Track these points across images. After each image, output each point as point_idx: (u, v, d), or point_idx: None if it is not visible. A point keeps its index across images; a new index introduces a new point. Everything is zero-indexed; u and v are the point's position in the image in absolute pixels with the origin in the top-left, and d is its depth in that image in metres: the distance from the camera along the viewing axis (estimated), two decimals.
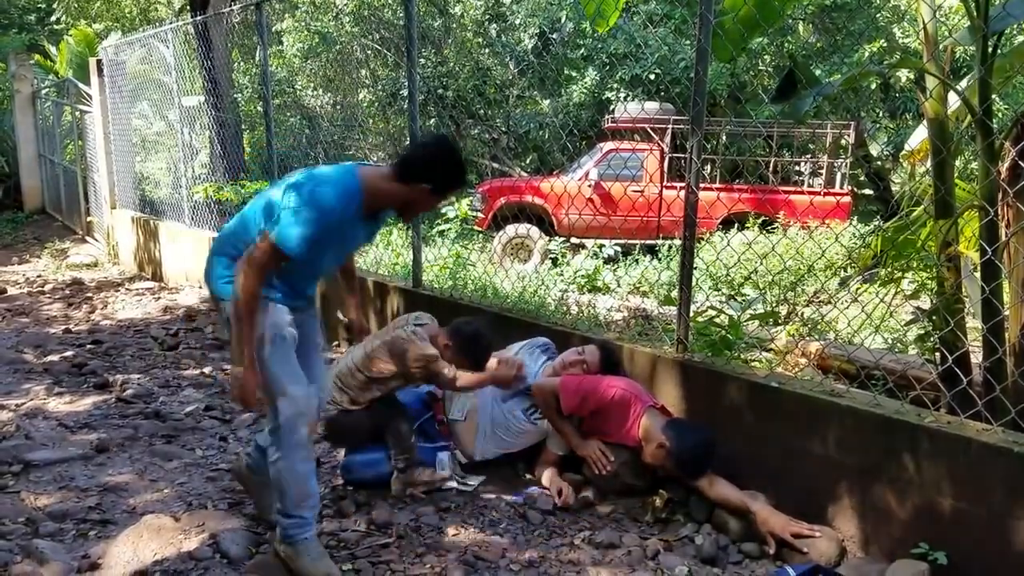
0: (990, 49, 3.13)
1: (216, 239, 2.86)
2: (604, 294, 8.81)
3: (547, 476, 3.53)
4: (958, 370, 3.16)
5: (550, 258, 9.76)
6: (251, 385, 2.59)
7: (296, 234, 2.52)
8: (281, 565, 2.71)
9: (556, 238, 10.23)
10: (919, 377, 3.51)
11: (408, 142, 4.98)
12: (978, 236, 3.31)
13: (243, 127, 11.57)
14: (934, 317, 3.62)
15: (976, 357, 3.68)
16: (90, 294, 8.42)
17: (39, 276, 9.59)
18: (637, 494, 3.39)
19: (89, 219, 12.00)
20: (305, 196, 2.55)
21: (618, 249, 9.96)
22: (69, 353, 5.85)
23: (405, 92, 4.92)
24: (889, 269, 4.42)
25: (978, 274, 3.35)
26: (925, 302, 4.52)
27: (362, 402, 3.40)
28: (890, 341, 5.46)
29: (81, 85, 11.29)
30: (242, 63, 14.22)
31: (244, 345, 2.57)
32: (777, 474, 3.15)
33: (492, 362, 3.52)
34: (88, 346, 6.10)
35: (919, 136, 4.92)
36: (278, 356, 2.67)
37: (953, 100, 3.64)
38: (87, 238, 12.10)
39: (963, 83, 3.76)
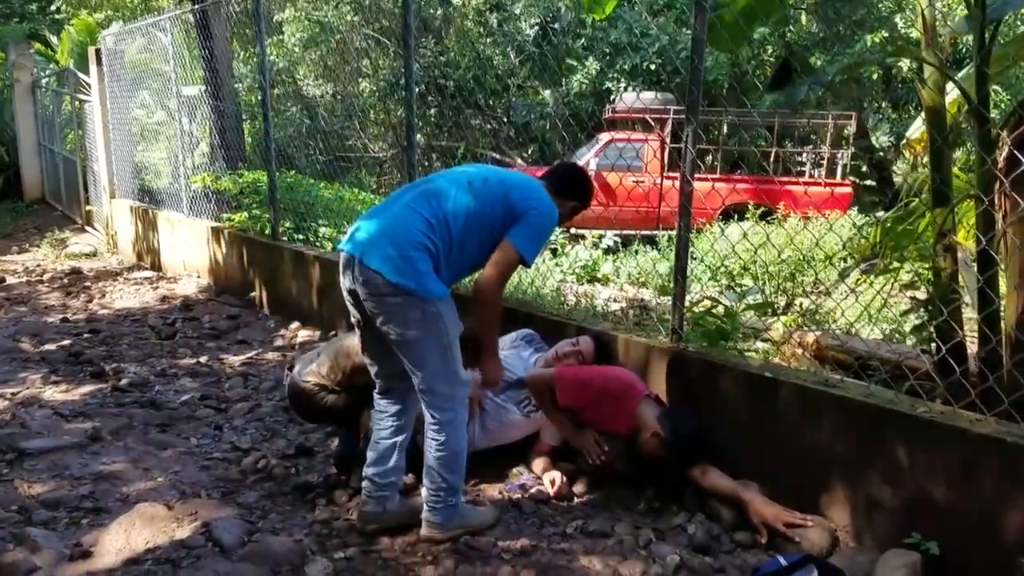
0: (987, 38, 3.11)
1: (402, 228, 2.74)
2: (603, 285, 8.80)
3: (540, 466, 3.53)
4: (952, 360, 3.15)
5: (549, 248, 9.74)
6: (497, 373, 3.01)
7: (537, 249, 2.80)
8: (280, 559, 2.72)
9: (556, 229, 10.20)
10: (914, 367, 3.50)
11: (405, 132, 4.96)
12: (974, 226, 3.30)
13: (243, 117, 11.55)
14: (930, 307, 3.61)
15: (972, 347, 3.67)
16: (88, 283, 8.43)
17: (38, 265, 9.59)
18: (630, 483, 3.39)
19: (88, 208, 11.99)
20: (544, 210, 2.82)
21: (618, 240, 9.95)
22: (66, 342, 5.86)
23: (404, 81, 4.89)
24: (887, 260, 4.40)
25: (974, 264, 3.34)
26: (922, 292, 4.51)
27: (341, 384, 3.43)
28: (887, 331, 5.45)
29: (81, 74, 11.27)
30: (242, 52, 14.19)
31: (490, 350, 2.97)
32: (770, 464, 3.15)
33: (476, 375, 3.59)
34: (85, 335, 6.11)
35: (918, 126, 4.90)
36: (458, 350, 2.84)
37: (953, 90, 3.63)
38: (86, 227, 12.09)
39: (962, 73, 3.74)
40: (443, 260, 2.77)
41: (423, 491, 2.91)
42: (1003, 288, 3.35)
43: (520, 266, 2.89)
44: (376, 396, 3.03)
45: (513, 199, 2.82)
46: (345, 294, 2.85)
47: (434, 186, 2.87)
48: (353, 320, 2.93)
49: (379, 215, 2.82)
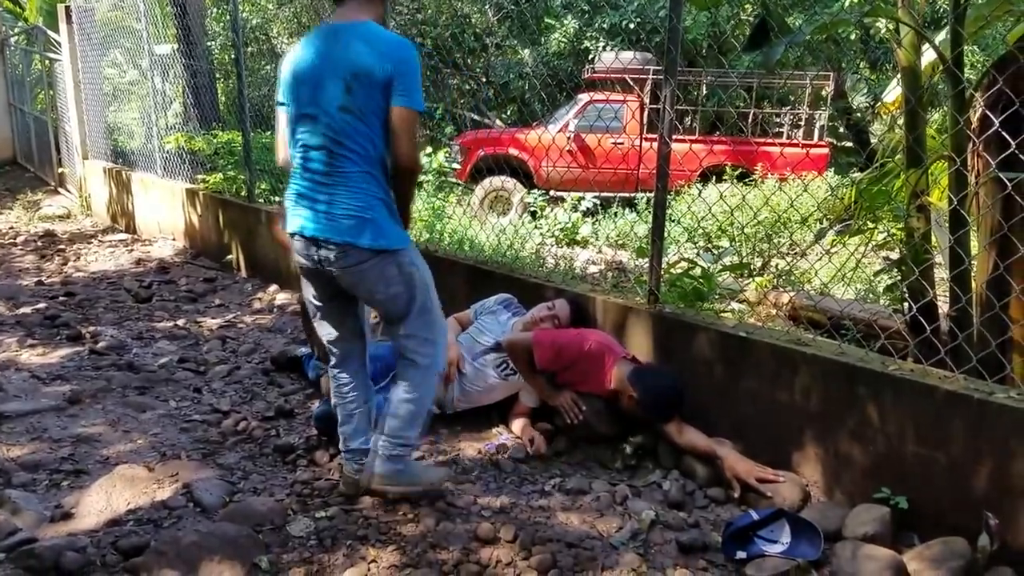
0: None
1: (350, 188, 2.58)
2: (582, 247, 8.83)
3: (519, 426, 3.57)
4: (923, 319, 3.20)
5: (529, 211, 9.73)
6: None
7: (421, 89, 2.64)
8: (261, 518, 2.74)
9: (535, 191, 10.19)
10: (886, 326, 3.56)
11: None
12: (947, 186, 3.34)
13: (217, 76, 11.37)
14: (902, 267, 3.66)
15: (943, 306, 3.74)
16: (63, 246, 8.33)
17: (11, 228, 9.45)
18: (607, 442, 3.44)
19: (61, 170, 11.80)
20: (407, 54, 2.58)
21: (597, 202, 9.95)
22: (41, 305, 5.80)
23: None
24: (861, 220, 4.45)
25: (947, 224, 3.39)
26: (895, 253, 4.57)
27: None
28: (860, 291, 5.52)
29: (51, 32, 11.02)
30: (215, 9, 13.91)
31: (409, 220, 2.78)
32: (744, 421, 3.21)
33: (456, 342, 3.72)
34: (61, 298, 6.06)
35: (894, 88, 4.92)
36: (435, 294, 2.81)
37: (929, 51, 3.64)
38: (59, 189, 11.91)
39: (941, 34, 3.75)
40: (387, 189, 2.66)
41: (375, 440, 2.84)
42: (974, 248, 3.41)
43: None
44: (334, 370, 2.97)
45: (380, 72, 2.50)
46: (306, 275, 2.79)
47: (331, 123, 2.56)
48: (312, 297, 2.85)
49: (313, 183, 2.62)
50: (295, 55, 2.65)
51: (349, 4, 2.64)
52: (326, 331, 2.90)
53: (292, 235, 2.71)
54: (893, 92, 5.14)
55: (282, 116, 2.73)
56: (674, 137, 3.51)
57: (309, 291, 2.85)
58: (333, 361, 2.97)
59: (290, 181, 2.72)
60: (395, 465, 2.81)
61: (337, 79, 2.51)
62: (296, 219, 2.66)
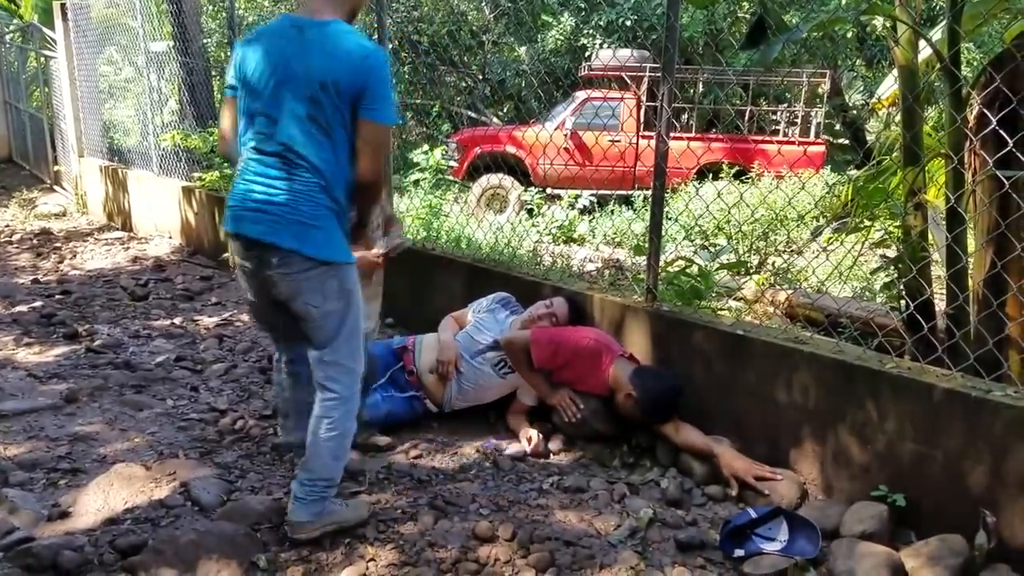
0: None
1: (300, 192, 2.44)
2: (579, 245, 8.83)
3: (517, 424, 3.58)
4: (920, 317, 3.21)
5: (526, 209, 9.73)
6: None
7: (392, 102, 2.54)
8: (259, 516, 2.73)
9: (532, 188, 10.19)
10: (883, 324, 3.57)
11: None
12: (944, 184, 3.34)
13: (213, 73, 11.34)
14: (899, 265, 3.66)
15: (940, 304, 3.74)
16: (59, 244, 8.31)
17: (7, 226, 9.42)
18: (605, 440, 3.44)
19: (57, 168, 11.77)
20: (379, 62, 2.45)
21: (594, 200, 9.95)
22: (38, 303, 5.79)
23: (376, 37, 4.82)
24: (858, 218, 4.46)
25: (944, 222, 3.39)
26: (892, 250, 4.57)
27: None
28: (857, 289, 5.53)
29: (46, 30, 10.98)
30: (211, 7, 13.88)
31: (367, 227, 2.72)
32: (742, 419, 3.21)
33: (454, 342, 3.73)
34: (57, 296, 6.04)
35: (889, 84, 4.92)
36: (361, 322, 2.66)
37: (925, 48, 3.64)
38: (55, 187, 11.88)
39: (936, 32, 3.76)
40: (341, 201, 2.53)
41: (295, 484, 2.63)
42: (971, 246, 3.41)
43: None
44: (278, 363, 2.90)
45: (349, 85, 2.38)
46: (246, 278, 2.62)
47: (292, 130, 2.43)
48: (249, 296, 2.71)
49: (266, 186, 2.46)
50: (256, 44, 2.49)
51: None
52: (263, 329, 2.80)
53: (233, 234, 2.53)
54: (888, 89, 5.14)
55: (229, 102, 2.60)
56: (671, 135, 3.51)
57: (246, 293, 2.70)
58: (276, 355, 2.92)
59: (239, 178, 2.54)
60: (316, 509, 2.61)
61: (302, 87, 2.39)
62: (240, 219, 2.50)
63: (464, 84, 16.41)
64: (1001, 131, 2.84)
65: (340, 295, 2.53)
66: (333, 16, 2.45)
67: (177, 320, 5.42)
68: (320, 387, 2.60)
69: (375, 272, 3.28)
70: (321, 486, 2.60)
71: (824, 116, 12.17)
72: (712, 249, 4.25)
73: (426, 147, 7.66)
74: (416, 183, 7.56)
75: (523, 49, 15.56)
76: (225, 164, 7.07)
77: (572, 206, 9.70)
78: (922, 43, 3.56)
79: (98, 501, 2.83)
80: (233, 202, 2.53)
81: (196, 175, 7.37)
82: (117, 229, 9.07)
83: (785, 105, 12.97)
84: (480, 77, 16.15)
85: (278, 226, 2.43)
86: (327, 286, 2.49)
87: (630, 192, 10.38)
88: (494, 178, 10.42)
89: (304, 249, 2.43)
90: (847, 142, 14.67)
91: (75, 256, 7.74)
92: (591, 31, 14.23)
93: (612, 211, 9.92)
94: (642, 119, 11.15)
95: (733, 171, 9.52)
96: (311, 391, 2.69)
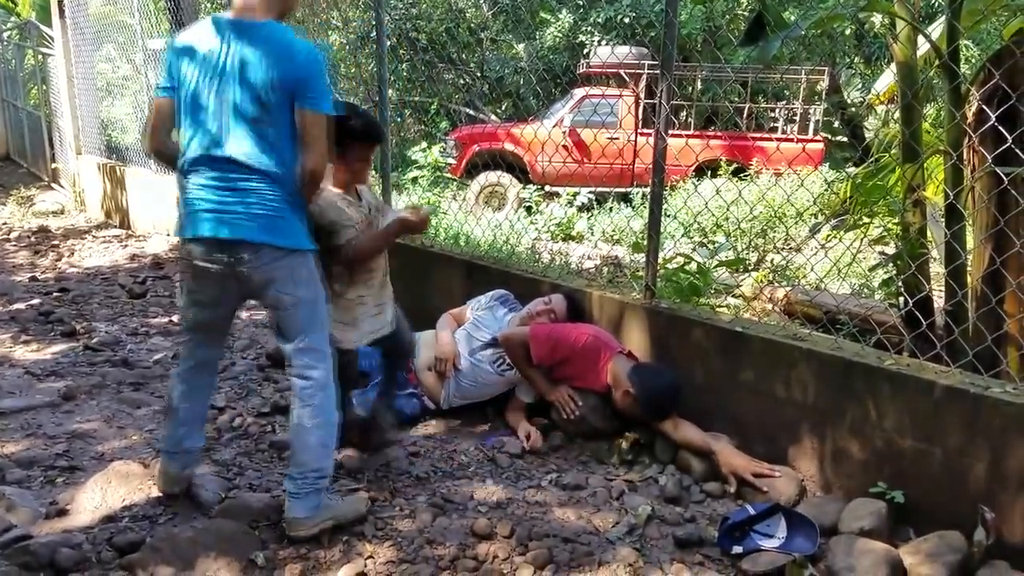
0: None
1: (257, 186, 2.49)
2: (577, 242, 8.82)
3: (515, 421, 3.58)
4: (919, 313, 3.21)
5: (524, 206, 9.72)
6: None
7: (329, 91, 2.58)
8: (257, 514, 2.73)
9: (530, 186, 10.18)
10: (882, 321, 3.57)
11: (377, 87, 4.89)
12: (943, 181, 3.34)
13: None
14: (898, 261, 3.66)
15: (939, 301, 3.74)
16: (57, 242, 8.30)
17: (4, 223, 9.41)
18: (604, 437, 3.44)
19: (55, 165, 11.76)
20: (313, 55, 2.53)
21: (592, 197, 9.94)
22: (36, 301, 5.78)
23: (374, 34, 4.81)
24: (857, 215, 4.46)
25: (943, 219, 3.39)
26: (891, 247, 4.57)
27: None
28: (856, 286, 5.53)
29: (44, 27, 10.97)
30: (208, 4, 13.85)
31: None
32: (740, 416, 3.21)
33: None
34: (55, 294, 6.04)
35: (886, 80, 4.92)
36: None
37: (924, 45, 3.64)
38: (53, 185, 11.87)
39: (935, 28, 3.75)
40: (296, 195, 2.57)
41: (287, 483, 2.63)
42: (970, 242, 3.41)
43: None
44: (187, 373, 2.80)
45: (290, 81, 2.45)
46: (201, 278, 2.60)
47: (241, 131, 2.47)
48: (195, 302, 2.67)
49: (223, 188, 2.49)
50: (193, 46, 2.51)
51: None
52: (198, 337, 2.75)
53: (195, 238, 2.53)
54: (885, 84, 5.14)
55: (163, 102, 2.58)
56: (670, 132, 3.51)
57: (196, 295, 2.67)
58: (188, 364, 2.79)
59: (190, 182, 2.55)
60: (313, 503, 2.60)
61: (247, 88, 2.43)
62: (201, 222, 2.51)
63: (462, 81, 16.39)
64: (1000, 127, 2.84)
65: (309, 281, 2.60)
66: (265, 16, 2.50)
67: (175, 318, 5.41)
68: (298, 377, 2.62)
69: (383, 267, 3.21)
70: (313, 478, 2.59)
71: (823, 113, 12.17)
72: (711, 246, 4.25)
73: (424, 145, 7.66)
74: (415, 181, 7.56)
75: (521, 46, 15.56)
76: None
77: (571, 203, 9.69)
78: (921, 40, 3.55)
79: (96, 499, 2.82)
80: (190, 207, 2.54)
81: None
82: (115, 227, 9.06)
83: (784, 102, 12.96)
84: (478, 74, 16.13)
85: (244, 223, 2.48)
86: (297, 273, 2.56)
87: (629, 189, 10.38)
88: (492, 176, 10.41)
89: (275, 240, 2.50)
90: (846, 139, 14.68)
91: (73, 254, 7.73)
92: (589, 28, 14.22)
93: (611, 208, 9.92)
94: (640, 116, 11.14)
95: (732, 168, 9.52)
96: (207, 398, 2.87)
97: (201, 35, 2.52)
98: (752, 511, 2.73)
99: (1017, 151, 2.75)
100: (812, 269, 5.24)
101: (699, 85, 13.21)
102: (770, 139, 11.55)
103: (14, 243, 8.28)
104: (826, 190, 7.96)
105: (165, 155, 2.69)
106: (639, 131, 10.81)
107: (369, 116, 3.08)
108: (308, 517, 2.59)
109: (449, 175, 9.63)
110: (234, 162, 2.47)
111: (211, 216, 2.49)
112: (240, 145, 2.46)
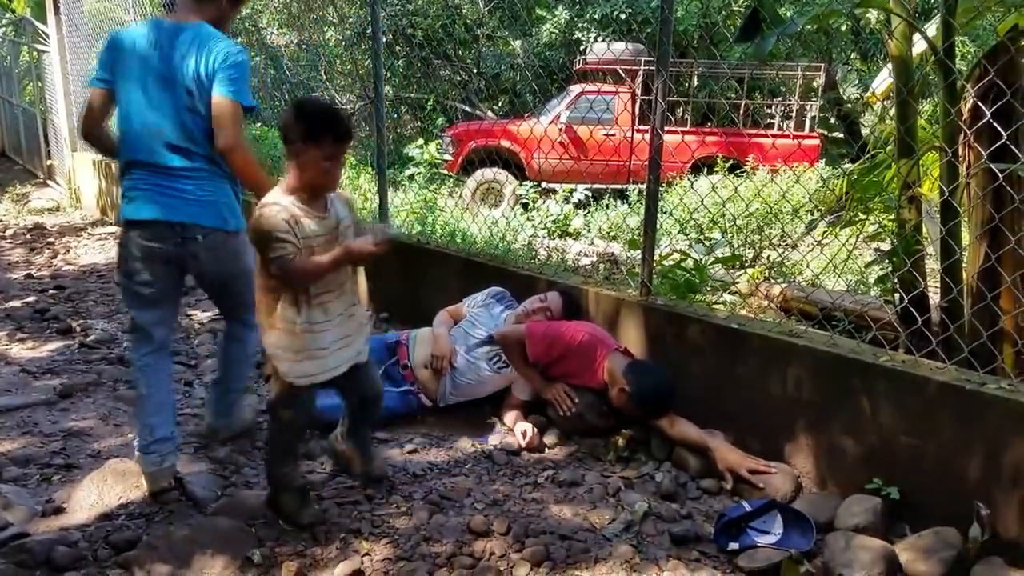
0: None
1: (199, 174, 2.86)
2: (574, 239, 8.82)
3: (512, 419, 3.58)
4: (915, 310, 3.21)
5: (520, 203, 9.72)
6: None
7: (248, 85, 2.90)
8: (253, 511, 2.73)
9: (526, 183, 10.18)
10: (877, 317, 3.57)
11: (373, 83, 4.88)
12: (938, 177, 3.35)
13: None
14: (894, 258, 3.67)
15: (934, 297, 3.75)
16: (52, 239, 8.28)
17: None
18: (600, 435, 3.44)
19: (50, 162, 11.72)
20: (232, 49, 2.83)
21: (589, 194, 9.95)
22: (31, 298, 5.77)
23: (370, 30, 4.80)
24: (853, 212, 4.46)
25: (938, 215, 3.40)
26: (887, 244, 4.58)
27: None
28: (852, 283, 5.54)
29: (39, 24, 10.93)
30: None
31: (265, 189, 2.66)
32: (736, 413, 3.21)
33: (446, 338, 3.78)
34: (50, 291, 6.02)
35: (884, 78, 4.93)
36: None
37: (920, 42, 3.64)
38: (48, 182, 11.83)
39: (931, 25, 3.76)
40: (231, 177, 2.93)
41: (218, 395, 3.26)
42: (965, 239, 3.42)
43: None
44: (147, 358, 2.91)
45: (215, 74, 2.75)
46: (147, 261, 2.81)
47: (180, 122, 2.79)
48: (143, 284, 2.84)
49: (166, 175, 2.80)
50: (132, 44, 2.79)
51: (186, 4, 2.86)
52: (150, 318, 2.90)
53: (141, 222, 2.79)
54: (883, 82, 5.14)
55: (99, 92, 2.87)
56: (666, 128, 3.50)
57: (142, 277, 2.83)
58: (146, 350, 2.90)
59: (135, 172, 2.83)
60: (236, 414, 3.29)
61: (181, 83, 2.74)
62: (149, 207, 2.78)
63: (458, 78, 16.37)
64: (995, 124, 2.84)
65: (248, 257, 2.85)
66: (199, 20, 2.83)
67: None
68: (246, 326, 3.09)
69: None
70: (240, 395, 3.26)
71: (819, 110, 12.17)
72: (707, 243, 4.26)
73: (420, 141, 7.65)
74: (411, 177, 7.55)
75: (518, 43, 15.54)
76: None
77: (567, 200, 9.69)
78: (917, 36, 3.56)
79: (92, 497, 2.82)
80: (136, 192, 2.82)
81: None
82: (111, 224, 9.03)
83: (780, 99, 12.97)
84: (474, 71, 16.11)
85: (195, 206, 2.80)
86: (238, 250, 2.92)
87: (625, 186, 10.38)
88: (489, 172, 10.40)
89: (225, 225, 2.86)
90: (842, 136, 14.68)
91: (69, 251, 7.71)
92: (585, 24, 14.21)
93: (607, 205, 9.92)
94: (636, 113, 11.14)
95: (728, 165, 9.52)
96: (171, 384, 3.08)
97: (139, 33, 2.83)
98: (748, 507, 2.74)
99: (1012, 147, 2.76)
100: (808, 266, 5.24)
101: (695, 81, 13.20)
102: (766, 135, 11.56)
103: (9, 240, 8.26)
104: (822, 186, 7.98)
105: (99, 141, 3.02)
106: (635, 127, 10.81)
107: (323, 111, 2.43)
108: (237, 424, 3.28)
109: (445, 172, 9.63)
110: (174, 146, 2.77)
111: (161, 199, 2.80)
112: (175, 133, 2.77)
